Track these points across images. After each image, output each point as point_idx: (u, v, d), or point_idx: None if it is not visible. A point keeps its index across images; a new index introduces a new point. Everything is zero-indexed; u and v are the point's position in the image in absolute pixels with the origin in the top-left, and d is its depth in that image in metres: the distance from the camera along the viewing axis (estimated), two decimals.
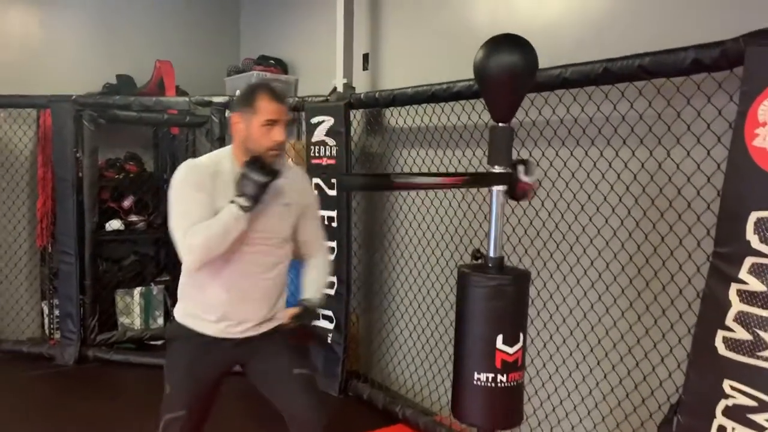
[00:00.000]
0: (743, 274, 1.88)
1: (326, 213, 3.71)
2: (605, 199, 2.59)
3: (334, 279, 3.79)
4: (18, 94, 4.37)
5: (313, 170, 3.80)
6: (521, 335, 2.01)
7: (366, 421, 3.44)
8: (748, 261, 1.87)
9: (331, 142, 3.77)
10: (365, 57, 4.05)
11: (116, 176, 4.81)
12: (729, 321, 1.92)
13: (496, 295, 1.95)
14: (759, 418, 1.85)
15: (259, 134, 1.97)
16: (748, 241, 1.87)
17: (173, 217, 2.00)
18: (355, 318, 4.09)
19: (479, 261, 2.09)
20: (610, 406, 2.61)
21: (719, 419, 1.95)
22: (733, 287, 1.91)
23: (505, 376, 1.95)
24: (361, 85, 3.99)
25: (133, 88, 4.79)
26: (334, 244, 3.75)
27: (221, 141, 4.13)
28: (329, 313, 3.84)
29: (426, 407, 3.52)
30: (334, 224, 3.75)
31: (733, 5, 2.20)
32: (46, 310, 4.74)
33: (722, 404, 1.94)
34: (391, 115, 3.81)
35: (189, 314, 2.14)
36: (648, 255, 2.46)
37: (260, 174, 1.92)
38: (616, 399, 2.59)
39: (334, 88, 3.92)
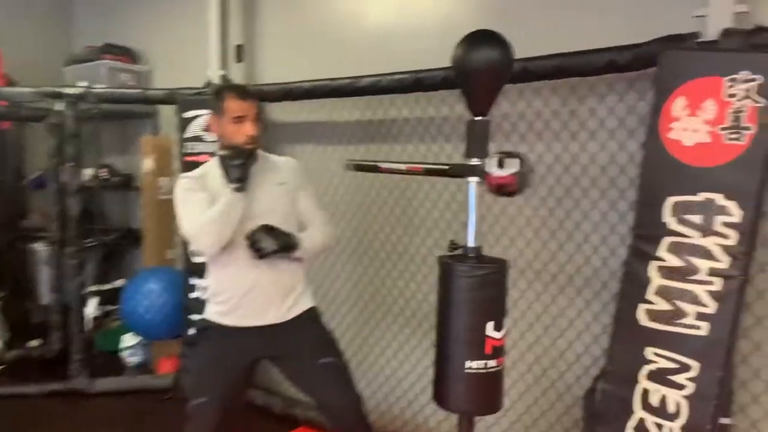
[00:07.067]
0: (661, 252, 2.12)
1: None
2: None
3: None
4: None
5: (188, 168, 3.52)
6: (505, 319, 2.03)
7: (267, 428, 3.29)
8: (666, 240, 2.11)
9: (209, 137, 3.54)
10: (238, 48, 3.86)
11: None
12: (650, 295, 2.15)
13: (484, 284, 1.94)
14: (679, 378, 2.10)
15: (231, 131, 2.19)
16: (665, 223, 2.11)
17: (182, 219, 2.18)
18: None
19: (456, 252, 2.04)
20: (535, 375, 2.80)
21: (642, 383, 2.17)
22: (653, 264, 2.14)
23: (494, 361, 1.95)
24: (236, 78, 3.79)
25: None
26: None
27: (77, 137, 3.67)
28: None
29: None
30: None
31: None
32: None
33: (645, 369, 2.17)
34: (272, 111, 3.69)
35: (212, 309, 2.29)
36: (563, 241, 2.66)
37: (237, 157, 2.14)
38: (540, 370, 2.79)
39: (209, 81, 3.69)
